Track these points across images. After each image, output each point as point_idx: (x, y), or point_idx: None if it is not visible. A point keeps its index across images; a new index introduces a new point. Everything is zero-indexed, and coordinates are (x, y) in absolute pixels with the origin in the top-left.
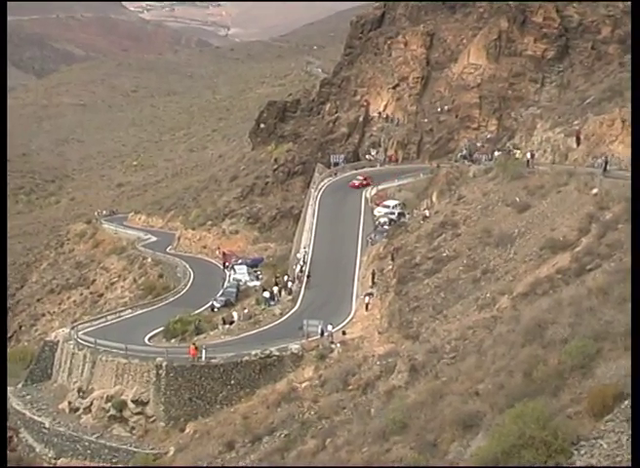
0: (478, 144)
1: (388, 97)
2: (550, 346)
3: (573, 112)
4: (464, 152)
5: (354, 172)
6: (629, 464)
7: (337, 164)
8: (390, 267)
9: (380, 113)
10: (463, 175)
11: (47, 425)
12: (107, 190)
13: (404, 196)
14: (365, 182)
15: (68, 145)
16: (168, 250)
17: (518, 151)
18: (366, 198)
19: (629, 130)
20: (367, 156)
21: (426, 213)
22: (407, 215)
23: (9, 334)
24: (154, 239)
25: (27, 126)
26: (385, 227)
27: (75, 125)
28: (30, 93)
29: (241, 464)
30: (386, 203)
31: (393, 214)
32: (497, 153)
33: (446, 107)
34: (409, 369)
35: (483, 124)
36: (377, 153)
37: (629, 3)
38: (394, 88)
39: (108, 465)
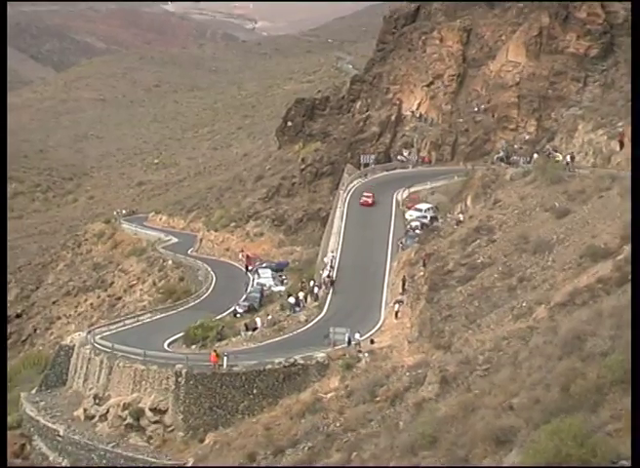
0: (516, 146)
1: (422, 96)
2: (589, 359)
3: (617, 113)
4: (501, 154)
5: (385, 173)
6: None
7: (367, 165)
8: (422, 274)
9: (413, 112)
10: (500, 177)
11: (61, 433)
12: (127, 189)
13: (437, 199)
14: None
15: (87, 142)
16: (189, 252)
17: (558, 154)
18: (397, 201)
19: None
20: (398, 157)
21: (460, 217)
22: (440, 220)
23: (23, 338)
24: (175, 240)
25: (45, 121)
26: (417, 232)
27: (95, 120)
28: (49, 87)
29: None
30: (418, 206)
31: (425, 217)
32: (535, 155)
33: (482, 107)
34: (440, 380)
35: (521, 124)
36: (409, 154)
37: None
38: (428, 86)
39: None
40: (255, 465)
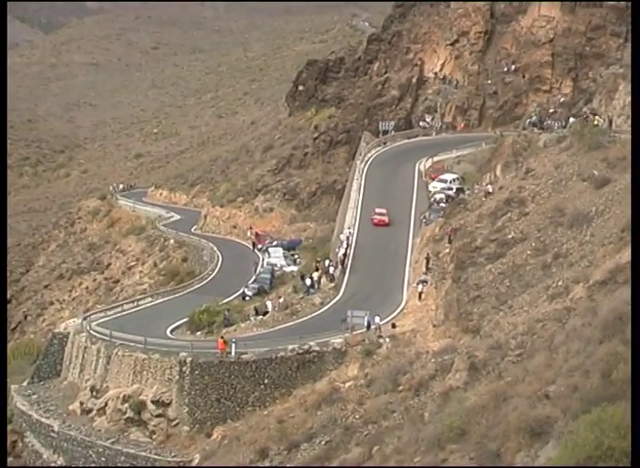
0: (550, 109)
1: (446, 55)
2: None
3: None
4: (534, 118)
5: (405, 141)
6: None
7: (386, 132)
8: (447, 251)
9: (436, 74)
10: (532, 144)
11: (56, 428)
12: (124, 162)
13: (463, 169)
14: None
15: (80, 110)
16: (193, 230)
17: (597, 117)
18: (420, 171)
19: None
20: (420, 123)
21: (489, 188)
22: (466, 191)
23: (13, 326)
24: (177, 217)
25: (33, 88)
26: (442, 205)
27: (87, 87)
28: (36, 50)
29: None
30: (443, 177)
31: (451, 189)
32: (571, 119)
33: (513, 67)
34: (468, 367)
35: (556, 86)
36: (432, 120)
37: None
38: (453, 44)
39: None
40: (266, 466)
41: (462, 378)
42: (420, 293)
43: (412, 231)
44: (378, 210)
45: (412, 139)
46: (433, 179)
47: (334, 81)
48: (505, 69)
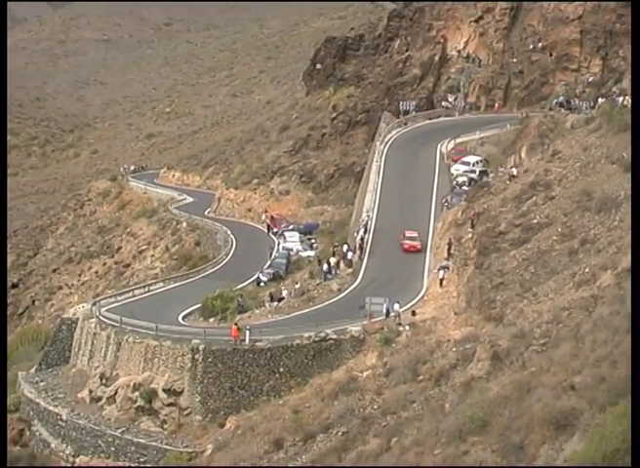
0: (578, 89)
1: (470, 33)
2: None
3: None
4: (561, 98)
5: (427, 122)
6: None
7: (407, 112)
8: (470, 236)
9: (459, 52)
10: (559, 125)
11: (64, 417)
12: (135, 142)
13: (487, 151)
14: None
15: (89, 88)
16: (206, 213)
17: (627, 97)
18: (441, 153)
19: None
20: (443, 103)
21: (514, 171)
22: (490, 174)
23: (20, 311)
24: (190, 200)
25: (42, 65)
26: (464, 188)
27: (98, 64)
28: (45, 26)
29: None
30: (466, 159)
31: (474, 172)
32: (600, 100)
33: (540, 44)
34: (491, 356)
35: (584, 64)
36: (455, 99)
37: None
38: (477, 21)
39: (135, 465)
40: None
41: (485, 368)
42: (442, 280)
43: (433, 215)
44: (408, 234)
45: (433, 120)
46: (455, 162)
47: (353, 59)
48: (532, 47)
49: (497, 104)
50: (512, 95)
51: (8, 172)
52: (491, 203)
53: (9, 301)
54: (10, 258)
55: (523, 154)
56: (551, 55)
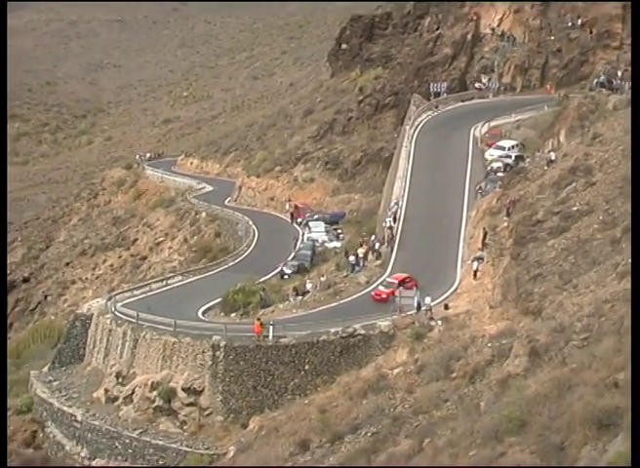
0: (620, 68)
1: (504, 9)
2: None
3: None
4: (602, 78)
5: (459, 104)
6: None
7: (438, 94)
8: (505, 225)
9: (493, 29)
10: (600, 107)
11: (79, 418)
12: (151, 128)
13: (523, 135)
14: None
15: (103, 72)
16: (226, 202)
17: None
18: (475, 137)
19: None
20: (476, 84)
21: (552, 156)
22: (527, 159)
23: (32, 306)
24: (209, 188)
25: (52, 47)
26: (499, 174)
27: (111, 46)
28: (56, 6)
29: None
30: (501, 143)
31: (509, 157)
32: None
33: (579, 21)
34: (528, 352)
35: (627, 42)
36: (488, 80)
37: None
38: None
39: (152, 467)
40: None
41: (522, 364)
42: (476, 272)
43: (466, 203)
44: (385, 283)
45: (466, 102)
46: (490, 146)
47: (380, 38)
48: (570, 24)
49: (548, 85)
50: (550, 75)
51: (17, 160)
52: (527, 189)
53: (20, 297)
54: (20, 251)
55: (562, 138)
56: (591, 32)
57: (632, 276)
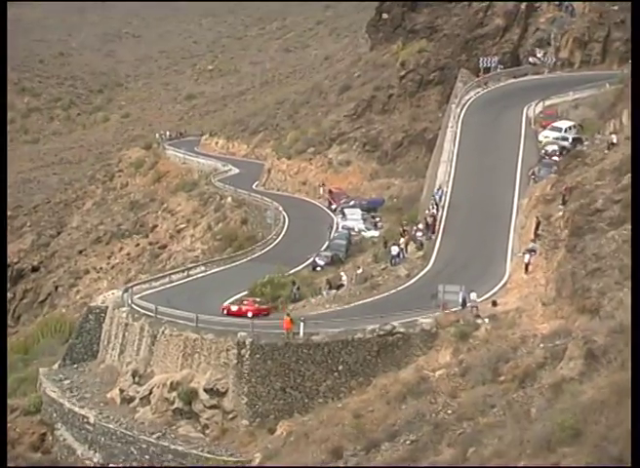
0: None
1: None
2: None
3: None
4: None
5: (511, 81)
6: None
7: (488, 69)
8: (561, 214)
9: None
10: None
11: (91, 420)
12: (173, 104)
13: (582, 115)
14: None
15: (120, 42)
16: (254, 186)
17: None
18: (528, 118)
19: None
20: (530, 59)
21: (613, 138)
22: (585, 142)
23: (42, 298)
24: (236, 171)
25: (65, 16)
26: (555, 158)
27: (129, 14)
28: None
29: None
30: (557, 124)
31: (566, 139)
32: None
33: None
34: (584, 354)
35: None
36: (544, 55)
37: None
38: None
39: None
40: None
41: (577, 368)
42: (527, 265)
43: (517, 190)
44: (246, 301)
45: (519, 79)
46: (545, 128)
47: (425, 7)
48: None
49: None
50: (612, 49)
51: (27, 138)
52: (586, 175)
53: (29, 287)
54: (29, 238)
55: (624, 118)
56: None
57: (632, 276)
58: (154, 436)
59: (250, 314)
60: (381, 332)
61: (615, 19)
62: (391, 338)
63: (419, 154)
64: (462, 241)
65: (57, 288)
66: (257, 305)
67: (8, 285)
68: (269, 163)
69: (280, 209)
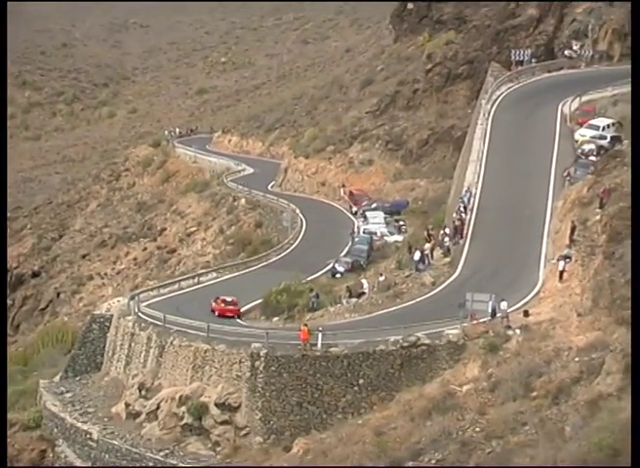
0: None
1: None
2: None
3: None
4: None
5: (546, 75)
6: None
7: (520, 63)
8: (598, 218)
9: None
10: None
11: (95, 436)
12: (183, 99)
13: (621, 112)
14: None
15: (127, 33)
16: (270, 187)
17: None
18: (563, 115)
19: None
20: (566, 52)
21: None
22: (625, 141)
23: (42, 305)
24: (250, 171)
25: (69, 4)
26: (592, 158)
27: (137, 3)
28: None
29: None
30: (594, 122)
31: (604, 138)
32: None
33: None
34: (623, 369)
35: None
36: (581, 47)
37: None
38: None
39: None
40: None
41: (616, 383)
42: (562, 272)
43: (552, 192)
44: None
45: (554, 73)
46: (581, 125)
47: None
48: None
49: None
50: None
51: (28, 135)
52: (625, 177)
53: (29, 293)
54: (30, 241)
55: None
56: None
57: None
58: (162, 453)
59: (216, 313)
60: (405, 344)
61: None
62: (416, 351)
63: (445, 153)
64: (492, 246)
65: (58, 294)
66: (223, 305)
67: (7, 291)
68: (286, 162)
69: (297, 211)
